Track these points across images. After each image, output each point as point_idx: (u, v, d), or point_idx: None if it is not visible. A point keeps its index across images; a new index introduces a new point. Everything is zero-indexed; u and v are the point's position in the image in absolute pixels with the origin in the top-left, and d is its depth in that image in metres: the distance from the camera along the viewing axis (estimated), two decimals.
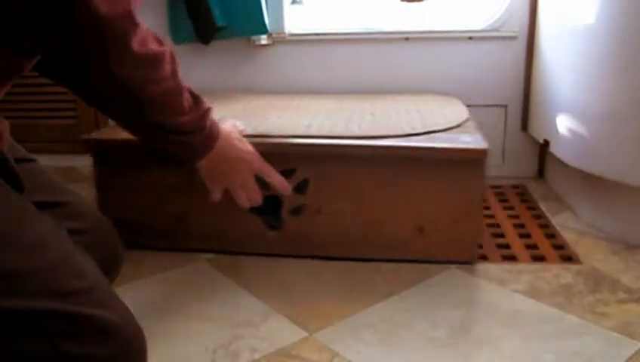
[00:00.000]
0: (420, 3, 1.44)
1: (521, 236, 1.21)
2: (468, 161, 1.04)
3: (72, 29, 0.66)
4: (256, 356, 0.82)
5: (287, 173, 1.03)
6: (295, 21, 1.61)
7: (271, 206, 1.07)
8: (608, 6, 1.11)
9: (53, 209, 0.80)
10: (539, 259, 1.11)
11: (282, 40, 1.58)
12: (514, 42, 1.52)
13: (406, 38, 1.55)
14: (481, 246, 1.14)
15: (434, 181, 1.05)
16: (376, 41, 1.57)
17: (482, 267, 1.07)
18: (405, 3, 1.42)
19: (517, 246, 1.16)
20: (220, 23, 1.50)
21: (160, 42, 0.77)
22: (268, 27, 1.51)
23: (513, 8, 1.50)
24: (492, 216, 1.31)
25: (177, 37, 1.58)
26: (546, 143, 1.40)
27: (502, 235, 1.21)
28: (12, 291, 0.59)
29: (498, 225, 1.26)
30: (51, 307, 0.59)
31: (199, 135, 0.85)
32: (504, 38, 1.52)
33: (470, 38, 1.53)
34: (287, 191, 1.02)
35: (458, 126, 1.16)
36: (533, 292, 0.98)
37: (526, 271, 1.05)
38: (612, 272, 1.04)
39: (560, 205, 1.38)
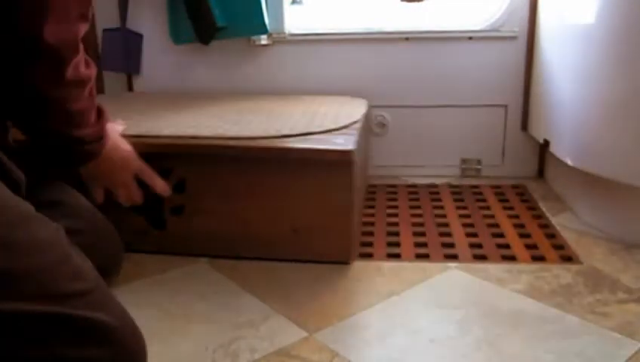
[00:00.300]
0: (419, 3, 1.44)
1: (521, 236, 1.21)
2: (335, 162, 1.05)
3: (15, 49, 0.70)
4: (256, 356, 0.82)
5: (164, 173, 1.06)
6: (295, 21, 1.61)
7: (152, 205, 1.09)
8: (608, 6, 1.11)
9: (52, 208, 0.80)
10: (539, 259, 1.11)
11: (282, 40, 1.58)
12: (514, 42, 1.52)
13: (406, 38, 1.55)
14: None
15: (305, 182, 1.07)
16: (376, 41, 1.56)
17: (482, 267, 1.07)
18: (405, 3, 1.43)
19: (517, 246, 1.16)
20: (219, 23, 1.50)
21: (88, 65, 0.81)
22: (268, 27, 1.51)
23: (513, 8, 1.50)
24: (492, 216, 1.31)
25: (177, 37, 1.58)
26: (546, 143, 1.40)
27: (502, 235, 1.21)
28: (8, 293, 0.58)
29: (498, 225, 1.26)
30: (49, 310, 0.59)
31: (97, 144, 0.87)
32: (504, 38, 1.52)
33: (470, 38, 1.53)
34: (166, 193, 1.05)
35: (343, 128, 1.18)
36: (533, 292, 0.98)
37: (526, 271, 1.05)
38: (612, 272, 1.04)
39: (560, 205, 1.38)
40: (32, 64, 0.72)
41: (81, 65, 0.78)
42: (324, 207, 1.07)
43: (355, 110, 1.33)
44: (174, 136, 1.12)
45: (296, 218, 1.07)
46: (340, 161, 1.05)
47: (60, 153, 0.85)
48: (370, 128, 1.57)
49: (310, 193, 1.07)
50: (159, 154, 1.08)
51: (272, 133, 1.12)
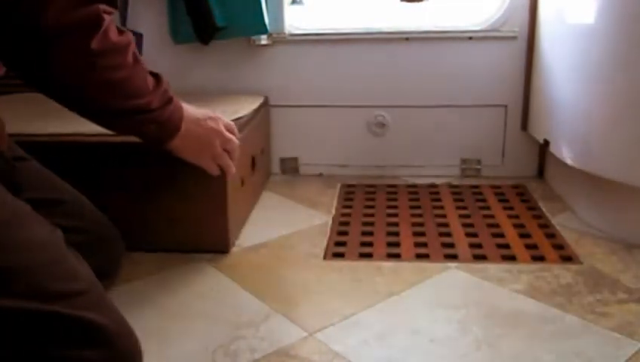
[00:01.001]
0: (419, 3, 1.44)
1: (521, 236, 1.21)
2: None
3: (26, 36, 0.67)
4: (256, 356, 0.82)
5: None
6: (295, 21, 1.61)
7: None
8: (608, 6, 1.11)
9: (52, 207, 0.80)
10: (539, 259, 1.11)
11: (282, 40, 1.58)
12: (514, 42, 1.52)
13: (406, 38, 1.55)
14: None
15: (180, 175, 1.11)
16: (376, 41, 1.56)
17: (482, 267, 1.07)
18: (405, 3, 1.43)
19: (517, 246, 1.16)
20: (219, 23, 1.50)
21: (121, 33, 0.77)
22: (268, 27, 1.51)
23: (513, 8, 1.50)
24: (492, 216, 1.31)
25: (177, 37, 1.58)
26: (546, 143, 1.40)
27: (502, 235, 1.21)
28: (1, 290, 0.58)
29: (498, 225, 1.26)
30: (38, 308, 0.58)
31: (167, 109, 0.85)
32: (504, 38, 1.52)
33: (470, 38, 1.53)
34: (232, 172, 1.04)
35: None
36: (533, 292, 0.98)
37: (526, 271, 1.05)
38: (612, 272, 1.04)
39: (560, 205, 1.38)
40: (49, 52, 0.69)
41: (111, 33, 0.74)
42: (199, 199, 1.13)
43: (247, 107, 1.39)
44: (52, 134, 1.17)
45: (173, 210, 1.13)
46: None
47: (139, 129, 0.83)
48: (268, 122, 1.62)
49: (185, 185, 1.12)
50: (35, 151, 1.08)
51: None
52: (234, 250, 1.17)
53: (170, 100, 0.85)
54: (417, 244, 1.18)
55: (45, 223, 0.68)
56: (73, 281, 0.64)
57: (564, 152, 1.30)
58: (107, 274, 0.85)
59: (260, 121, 1.49)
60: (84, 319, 0.61)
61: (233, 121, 1.25)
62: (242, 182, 1.28)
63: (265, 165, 1.59)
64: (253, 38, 1.56)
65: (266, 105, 1.57)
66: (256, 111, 1.42)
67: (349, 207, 1.40)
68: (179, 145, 0.90)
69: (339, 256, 1.14)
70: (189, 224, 1.14)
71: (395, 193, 1.48)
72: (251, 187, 1.39)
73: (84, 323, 0.61)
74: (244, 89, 1.61)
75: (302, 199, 1.46)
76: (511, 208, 1.36)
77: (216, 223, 1.15)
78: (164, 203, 1.14)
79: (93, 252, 0.75)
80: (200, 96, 1.51)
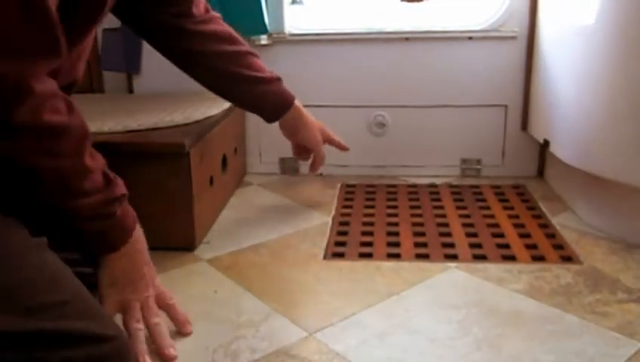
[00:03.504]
0: (419, 3, 1.44)
1: (521, 236, 1.21)
2: (171, 154, 1.13)
3: None
4: (256, 356, 0.82)
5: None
6: (295, 21, 1.61)
7: None
8: (608, 6, 1.11)
9: None
10: (539, 259, 1.11)
11: (282, 40, 1.58)
12: (514, 42, 1.52)
13: (406, 38, 1.55)
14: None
15: (146, 173, 1.13)
16: (376, 41, 1.57)
17: (482, 267, 1.07)
18: (405, 3, 1.43)
19: (517, 246, 1.16)
20: None
21: (69, 111, 0.69)
22: (268, 27, 1.51)
23: (513, 8, 1.50)
24: (492, 216, 1.31)
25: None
26: (546, 143, 1.40)
27: (502, 235, 1.21)
28: None
29: (498, 225, 1.26)
30: (22, 327, 0.56)
31: (101, 223, 0.75)
32: (504, 38, 1.52)
33: (470, 38, 1.53)
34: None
35: (195, 122, 1.26)
36: (533, 292, 0.98)
37: (526, 271, 1.05)
38: (612, 272, 1.04)
39: (560, 205, 1.38)
40: None
41: (46, 112, 0.65)
42: (166, 197, 1.14)
43: (218, 106, 1.40)
44: None
45: (140, 207, 1.13)
46: (174, 153, 1.13)
47: (67, 235, 0.74)
48: (242, 122, 1.64)
49: (152, 183, 1.13)
50: None
51: (119, 129, 1.19)
52: (234, 249, 1.17)
53: (108, 216, 0.75)
54: (417, 244, 1.18)
55: (22, 230, 0.65)
56: (56, 292, 0.62)
57: (564, 152, 1.30)
58: None
59: (232, 121, 1.50)
60: (69, 329, 0.59)
61: (202, 120, 1.28)
62: (211, 181, 1.28)
63: (239, 165, 1.61)
64: (253, 38, 1.56)
65: None
66: (229, 110, 1.43)
67: (349, 207, 1.40)
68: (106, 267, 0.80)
69: (339, 256, 1.14)
70: (155, 222, 1.09)
71: (395, 193, 1.48)
72: (222, 186, 1.40)
73: (69, 334, 0.59)
74: None
75: (302, 199, 1.46)
76: (511, 208, 1.36)
77: (181, 221, 1.16)
78: (130, 201, 1.13)
79: None
80: (179, 96, 1.52)
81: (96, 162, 0.74)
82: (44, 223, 0.71)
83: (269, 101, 1.20)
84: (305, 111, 1.26)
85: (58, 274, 0.65)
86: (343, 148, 1.38)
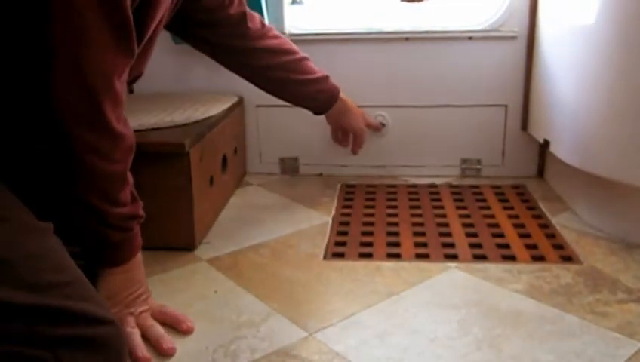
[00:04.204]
0: (419, 3, 1.44)
1: (521, 236, 1.21)
2: (170, 154, 1.13)
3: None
4: (256, 356, 0.82)
5: None
6: (295, 21, 1.61)
7: None
8: (608, 6, 1.11)
9: None
10: (539, 259, 1.11)
11: None
12: (514, 42, 1.52)
13: (406, 38, 1.55)
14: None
15: (146, 173, 1.11)
16: (376, 41, 1.57)
17: (482, 267, 1.07)
18: (405, 3, 1.42)
19: (517, 246, 1.16)
20: None
21: (125, 120, 0.76)
22: None
23: (513, 8, 1.50)
24: (492, 216, 1.31)
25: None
26: (546, 143, 1.40)
27: (501, 235, 1.21)
28: None
29: (498, 225, 1.26)
30: (26, 301, 0.58)
31: (120, 235, 0.81)
32: (504, 38, 1.52)
33: (470, 38, 1.53)
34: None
35: (196, 123, 1.26)
36: (533, 292, 0.98)
37: (526, 271, 1.05)
38: (612, 272, 1.04)
39: (560, 205, 1.38)
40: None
41: (113, 118, 0.71)
42: (166, 197, 1.14)
43: (218, 106, 1.41)
44: None
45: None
46: (174, 153, 1.13)
47: (86, 234, 0.78)
48: (242, 122, 1.64)
49: (152, 183, 1.13)
50: None
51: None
52: (234, 249, 1.17)
53: (127, 229, 0.81)
54: (417, 244, 1.18)
55: (29, 214, 0.67)
56: (60, 272, 0.63)
57: (564, 152, 1.30)
58: None
59: (232, 121, 1.50)
60: (72, 308, 0.61)
61: (203, 120, 1.29)
62: (211, 181, 1.28)
63: (239, 165, 1.61)
64: None
65: (240, 105, 1.59)
66: (228, 110, 1.44)
67: (349, 207, 1.40)
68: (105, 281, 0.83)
69: (339, 256, 1.14)
70: (156, 222, 1.11)
71: (395, 193, 1.48)
72: (222, 186, 1.40)
73: (73, 311, 0.61)
74: (245, 89, 1.60)
75: (302, 199, 1.46)
76: (511, 208, 1.36)
77: (181, 221, 1.16)
78: None
79: None
80: (179, 96, 1.52)
81: (130, 177, 0.80)
82: (68, 215, 0.75)
83: (320, 98, 1.33)
84: (349, 100, 1.38)
85: (62, 257, 0.67)
86: (377, 128, 1.55)
